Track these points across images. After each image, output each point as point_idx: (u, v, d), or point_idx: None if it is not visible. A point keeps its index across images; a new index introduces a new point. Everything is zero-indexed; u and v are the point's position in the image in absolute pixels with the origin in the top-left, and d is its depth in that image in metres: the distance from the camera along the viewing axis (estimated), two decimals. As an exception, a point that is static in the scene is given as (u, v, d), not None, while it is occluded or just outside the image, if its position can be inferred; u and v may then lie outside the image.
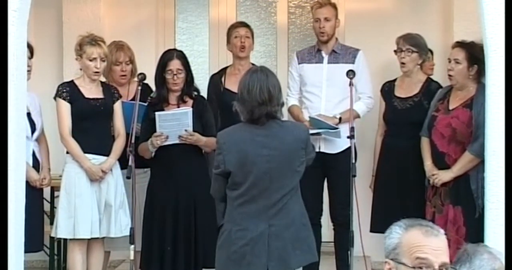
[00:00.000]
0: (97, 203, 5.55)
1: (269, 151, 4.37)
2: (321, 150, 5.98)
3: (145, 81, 5.78)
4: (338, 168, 5.87)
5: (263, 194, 4.37)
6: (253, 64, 6.32)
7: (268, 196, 4.38)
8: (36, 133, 5.69)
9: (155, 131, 5.47)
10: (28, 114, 5.48)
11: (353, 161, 5.49)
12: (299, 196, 4.53)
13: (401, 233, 2.82)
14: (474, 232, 5.25)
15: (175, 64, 5.59)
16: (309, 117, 5.90)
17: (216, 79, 6.43)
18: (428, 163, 5.60)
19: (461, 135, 5.45)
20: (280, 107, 4.47)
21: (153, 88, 5.83)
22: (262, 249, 4.37)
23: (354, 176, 5.44)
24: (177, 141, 5.47)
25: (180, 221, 5.50)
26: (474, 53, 5.39)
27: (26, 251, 4.73)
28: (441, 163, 5.53)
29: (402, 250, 2.78)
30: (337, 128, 5.79)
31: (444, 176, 5.47)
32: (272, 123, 4.42)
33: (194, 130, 5.46)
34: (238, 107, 4.45)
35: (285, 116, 6.32)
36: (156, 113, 5.47)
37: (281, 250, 4.39)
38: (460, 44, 5.57)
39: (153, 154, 5.54)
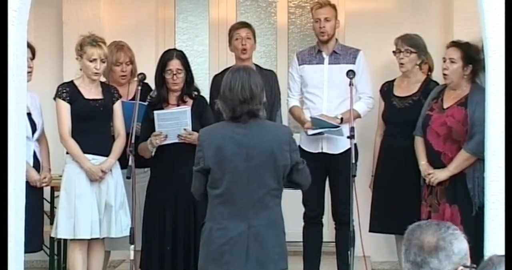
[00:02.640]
0: (97, 204, 5.55)
1: (247, 150, 4.34)
2: (323, 150, 6.00)
3: (145, 81, 5.78)
4: (339, 168, 5.88)
5: (242, 193, 4.35)
6: (255, 65, 6.33)
7: (247, 195, 4.35)
8: (36, 134, 5.68)
9: (154, 131, 5.47)
10: (29, 114, 5.48)
11: (353, 161, 5.51)
12: (281, 200, 4.50)
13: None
14: (471, 230, 5.23)
15: (174, 64, 5.59)
16: (310, 117, 5.91)
17: (219, 80, 6.40)
18: (423, 163, 5.60)
19: (457, 133, 5.46)
20: (263, 106, 4.43)
21: (153, 88, 5.83)
22: (241, 250, 4.34)
23: (354, 175, 5.46)
24: (176, 140, 5.47)
25: (180, 220, 5.50)
26: (469, 53, 5.44)
27: (25, 252, 4.73)
28: (437, 162, 5.53)
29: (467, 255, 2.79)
30: (338, 126, 5.80)
31: (440, 174, 5.47)
32: (253, 122, 4.38)
33: (193, 130, 5.45)
34: (220, 105, 4.43)
35: (286, 117, 6.35)
36: (155, 112, 5.48)
37: (259, 252, 4.36)
38: (456, 44, 5.59)
39: (153, 154, 5.54)
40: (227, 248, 4.35)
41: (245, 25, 6.36)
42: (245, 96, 4.32)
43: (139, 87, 5.67)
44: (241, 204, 4.36)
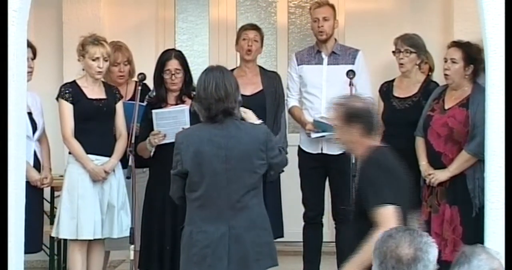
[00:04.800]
0: (100, 204, 5.56)
1: (225, 151, 4.35)
2: (323, 151, 6.00)
3: (144, 82, 5.78)
4: (339, 167, 5.87)
5: (221, 194, 4.35)
6: (259, 67, 6.32)
7: (226, 197, 4.35)
8: (37, 133, 5.68)
9: (153, 131, 5.48)
10: (30, 114, 5.49)
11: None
12: (261, 199, 4.51)
13: None
14: (471, 231, 5.27)
15: (173, 64, 5.60)
16: (314, 120, 5.90)
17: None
18: (423, 163, 5.60)
19: (458, 134, 5.46)
20: (238, 105, 4.44)
21: (151, 88, 5.83)
22: (223, 252, 4.35)
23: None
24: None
25: (179, 219, 5.47)
26: (470, 53, 5.43)
27: (25, 252, 4.72)
28: (438, 162, 5.53)
29: None
30: None
31: (441, 175, 5.47)
32: (230, 123, 4.39)
33: (192, 130, 5.45)
34: (196, 106, 4.45)
35: (286, 117, 6.35)
36: (153, 111, 5.49)
37: (241, 254, 4.36)
38: (457, 44, 5.59)
39: (151, 153, 5.54)
40: (209, 251, 4.35)
41: (254, 27, 6.35)
42: (220, 94, 4.35)
43: (139, 87, 5.67)
44: (220, 206, 4.36)
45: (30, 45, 5.24)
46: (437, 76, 6.28)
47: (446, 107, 5.57)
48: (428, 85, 5.98)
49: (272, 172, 4.55)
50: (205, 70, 4.54)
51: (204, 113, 4.40)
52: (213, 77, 4.40)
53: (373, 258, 2.81)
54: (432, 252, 2.79)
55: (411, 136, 5.74)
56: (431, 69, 6.39)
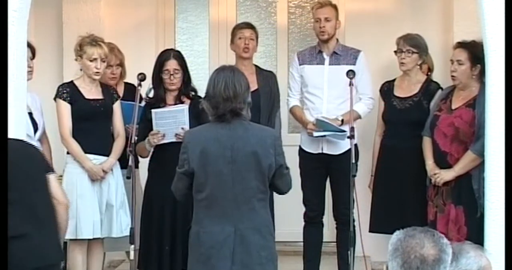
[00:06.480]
0: (99, 203, 5.56)
1: (231, 152, 4.33)
2: (324, 151, 6.00)
3: (131, 82, 5.78)
4: (340, 168, 5.88)
5: (227, 195, 4.34)
6: (255, 65, 6.32)
7: (232, 198, 4.34)
8: (38, 133, 5.68)
9: (152, 131, 5.48)
10: (30, 114, 5.49)
11: (353, 161, 5.52)
12: (268, 204, 4.50)
13: None
14: (476, 231, 5.26)
15: (171, 64, 5.61)
16: (316, 119, 5.90)
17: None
18: (429, 163, 5.60)
19: (464, 135, 5.46)
20: (247, 106, 4.42)
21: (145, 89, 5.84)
22: (227, 253, 4.34)
23: (354, 175, 5.47)
24: (174, 139, 5.47)
25: (178, 219, 5.50)
26: (476, 53, 5.39)
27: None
28: (443, 162, 5.53)
29: None
30: (344, 131, 5.78)
31: (446, 175, 5.47)
32: (238, 124, 4.38)
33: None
34: (205, 104, 4.44)
35: (287, 116, 6.35)
36: (152, 110, 5.50)
37: (244, 255, 4.36)
38: (462, 45, 5.57)
39: (150, 153, 5.55)
40: (213, 252, 4.35)
41: (249, 26, 6.36)
42: (228, 94, 4.33)
43: (139, 87, 5.68)
44: (226, 206, 4.36)
45: (29, 45, 5.24)
46: (436, 76, 6.29)
47: (453, 107, 5.57)
48: (429, 85, 5.99)
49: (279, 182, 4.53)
50: (217, 69, 4.53)
51: (212, 111, 4.39)
52: (223, 76, 4.39)
53: (391, 258, 2.82)
54: (450, 253, 2.81)
55: (412, 135, 5.76)
56: (430, 69, 6.39)
